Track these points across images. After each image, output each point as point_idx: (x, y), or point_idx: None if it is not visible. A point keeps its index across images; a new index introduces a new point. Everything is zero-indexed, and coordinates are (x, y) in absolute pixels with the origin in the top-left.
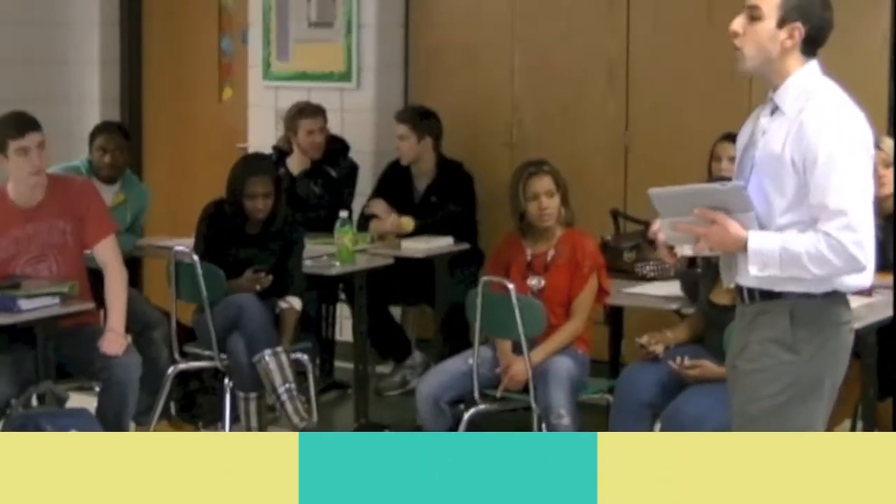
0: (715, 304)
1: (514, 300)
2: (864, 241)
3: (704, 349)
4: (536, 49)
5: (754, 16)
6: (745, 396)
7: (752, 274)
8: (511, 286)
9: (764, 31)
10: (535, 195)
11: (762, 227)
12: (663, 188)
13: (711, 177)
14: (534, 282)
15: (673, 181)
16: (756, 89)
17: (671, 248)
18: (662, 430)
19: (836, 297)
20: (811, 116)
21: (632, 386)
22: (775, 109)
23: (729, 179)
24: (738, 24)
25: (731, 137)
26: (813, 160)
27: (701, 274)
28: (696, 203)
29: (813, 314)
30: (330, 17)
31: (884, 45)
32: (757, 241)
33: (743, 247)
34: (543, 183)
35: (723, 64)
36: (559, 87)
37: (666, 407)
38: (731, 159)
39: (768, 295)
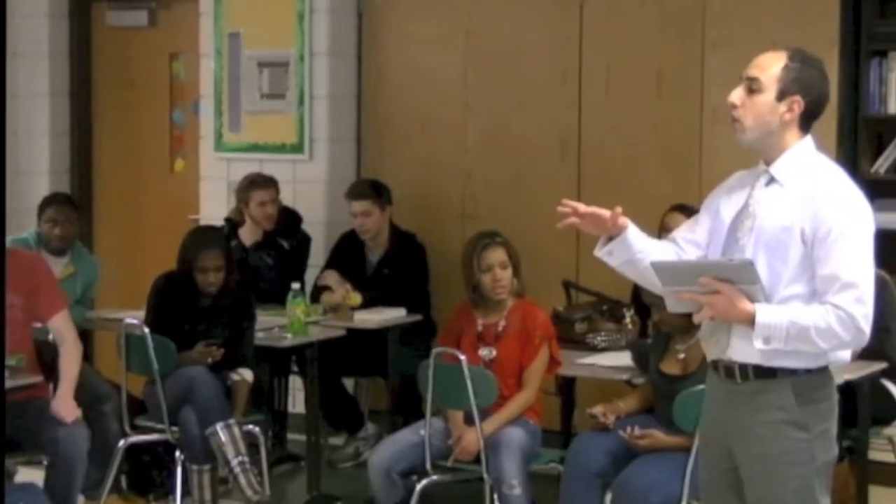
0: (664, 374)
1: (466, 371)
2: (870, 314)
3: (654, 419)
4: (489, 120)
5: (753, 88)
6: (766, 481)
7: (757, 347)
8: (462, 357)
9: (763, 104)
10: (489, 267)
11: (766, 297)
12: (665, 260)
13: None
14: (485, 352)
15: None
16: (706, 161)
17: None
18: (613, 499)
19: (827, 372)
20: (819, 189)
21: (582, 456)
22: (771, 181)
23: None
24: (736, 95)
25: (681, 208)
26: (826, 232)
27: (651, 344)
28: (701, 274)
29: (813, 389)
30: (282, 89)
31: (832, 115)
32: (765, 314)
33: (749, 319)
34: (497, 254)
35: (672, 136)
36: (512, 159)
37: (616, 476)
38: None
39: (764, 373)
